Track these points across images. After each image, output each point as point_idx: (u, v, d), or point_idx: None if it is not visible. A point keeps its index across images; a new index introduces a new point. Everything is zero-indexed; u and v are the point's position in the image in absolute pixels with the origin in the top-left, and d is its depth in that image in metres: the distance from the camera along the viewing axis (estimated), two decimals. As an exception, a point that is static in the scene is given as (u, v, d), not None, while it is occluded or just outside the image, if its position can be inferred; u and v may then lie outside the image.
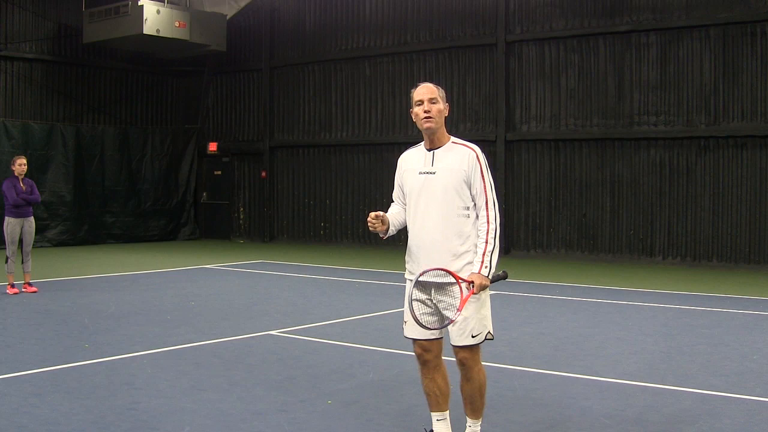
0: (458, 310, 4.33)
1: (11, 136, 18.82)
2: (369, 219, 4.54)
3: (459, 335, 4.47)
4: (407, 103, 20.90)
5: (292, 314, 10.00)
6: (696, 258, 15.95)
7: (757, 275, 14.62)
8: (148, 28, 18.66)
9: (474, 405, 4.64)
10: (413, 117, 4.58)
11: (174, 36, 19.28)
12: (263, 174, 21.75)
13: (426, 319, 4.49)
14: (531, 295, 11.82)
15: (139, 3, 18.60)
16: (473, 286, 4.32)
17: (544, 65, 17.56)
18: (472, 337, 4.46)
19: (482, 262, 4.40)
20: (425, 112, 4.48)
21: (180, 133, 22.57)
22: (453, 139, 4.60)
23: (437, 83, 4.68)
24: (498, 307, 10.62)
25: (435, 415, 4.70)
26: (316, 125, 20.95)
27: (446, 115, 4.58)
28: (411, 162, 4.66)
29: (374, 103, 19.91)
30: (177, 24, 19.29)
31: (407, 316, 4.57)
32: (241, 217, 22.44)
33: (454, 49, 18.58)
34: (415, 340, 4.62)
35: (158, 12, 18.87)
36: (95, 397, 5.98)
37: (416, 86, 4.61)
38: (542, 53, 17.56)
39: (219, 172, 22.81)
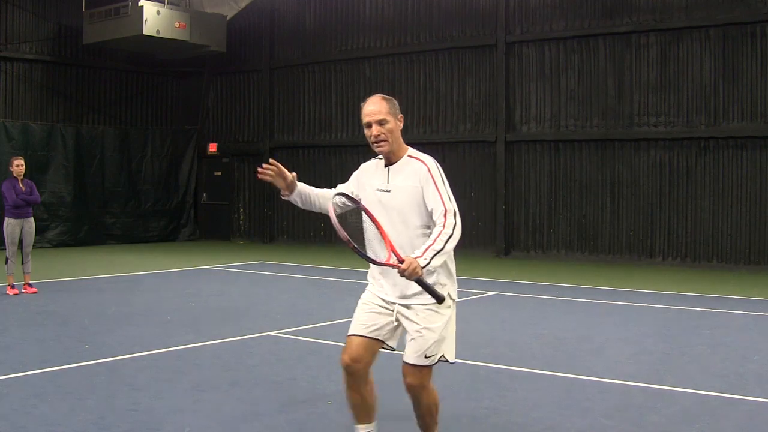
0: (386, 260, 4.06)
1: (11, 136, 18.81)
2: (265, 166, 4.24)
3: (413, 352, 4.14)
4: (406, 105, 20.79)
5: (292, 315, 10.00)
6: (696, 259, 15.95)
7: (757, 276, 14.62)
8: (148, 29, 18.67)
9: (425, 424, 4.42)
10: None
11: (174, 37, 19.29)
12: (263, 175, 21.73)
13: (375, 315, 4.25)
14: (531, 296, 11.82)
15: (139, 4, 18.60)
16: (401, 263, 3.93)
17: (544, 66, 17.56)
18: (425, 357, 4.12)
19: (424, 252, 3.97)
20: (375, 137, 4.27)
21: (180, 133, 22.56)
22: (410, 151, 4.34)
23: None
24: (498, 307, 10.63)
25: (361, 428, 4.39)
26: (316, 126, 20.95)
27: (401, 126, 4.32)
28: (369, 176, 4.44)
29: (374, 103, 19.86)
30: (177, 25, 19.29)
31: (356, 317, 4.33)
32: (241, 217, 22.44)
33: (454, 50, 18.56)
34: (350, 336, 4.26)
35: (158, 13, 18.88)
36: (95, 397, 5.98)
37: (365, 101, 4.35)
38: (542, 54, 17.56)
39: (219, 173, 22.82)
